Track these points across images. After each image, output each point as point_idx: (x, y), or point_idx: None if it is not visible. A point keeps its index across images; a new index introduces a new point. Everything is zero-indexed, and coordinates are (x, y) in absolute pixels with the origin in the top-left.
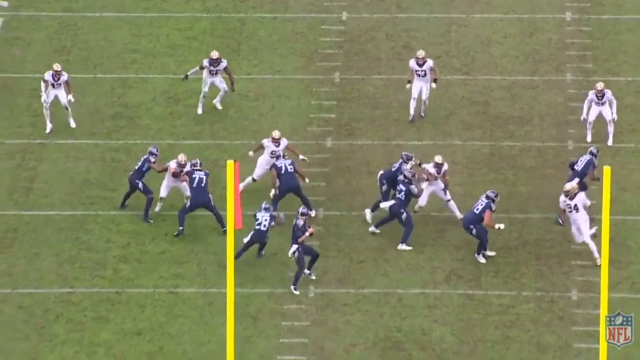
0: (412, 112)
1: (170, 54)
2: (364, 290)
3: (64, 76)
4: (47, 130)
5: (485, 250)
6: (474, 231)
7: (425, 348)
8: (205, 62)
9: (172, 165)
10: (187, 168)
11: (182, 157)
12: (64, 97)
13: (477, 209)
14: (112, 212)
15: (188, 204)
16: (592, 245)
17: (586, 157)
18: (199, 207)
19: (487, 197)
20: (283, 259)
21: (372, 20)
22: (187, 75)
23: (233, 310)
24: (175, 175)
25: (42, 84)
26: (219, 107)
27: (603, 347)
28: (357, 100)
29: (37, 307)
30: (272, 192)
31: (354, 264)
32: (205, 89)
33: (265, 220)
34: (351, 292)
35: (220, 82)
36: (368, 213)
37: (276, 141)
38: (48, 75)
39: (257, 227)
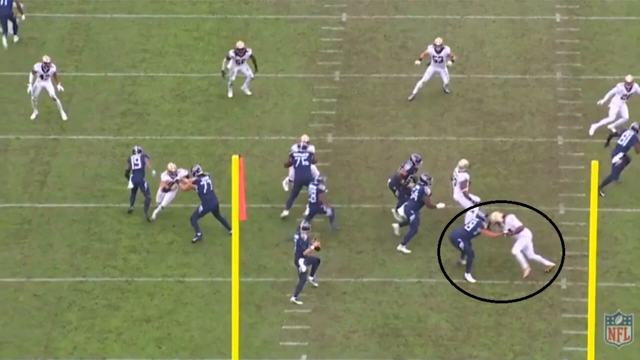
0: (414, 91)
1: (178, 53)
2: (363, 280)
3: (53, 68)
4: (33, 117)
5: (469, 270)
6: (461, 244)
7: (422, 334)
8: (231, 53)
9: (164, 178)
10: (180, 175)
11: (171, 166)
12: (51, 88)
13: (468, 227)
14: (122, 205)
15: (200, 209)
16: (519, 257)
17: (630, 133)
18: (210, 211)
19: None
20: (285, 250)
21: (370, 22)
22: (223, 72)
23: (238, 299)
24: (166, 190)
25: (31, 75)
26: (248, 92)
27: (591, 333)
28: (356, 98)
29: (50, 295)
30: (286, 179)
31: (353, 254)
32: (233, 77)
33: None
34: (350, 281)
35: (247, 69)
36: (395, 213)
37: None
38: (37, 67)
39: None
